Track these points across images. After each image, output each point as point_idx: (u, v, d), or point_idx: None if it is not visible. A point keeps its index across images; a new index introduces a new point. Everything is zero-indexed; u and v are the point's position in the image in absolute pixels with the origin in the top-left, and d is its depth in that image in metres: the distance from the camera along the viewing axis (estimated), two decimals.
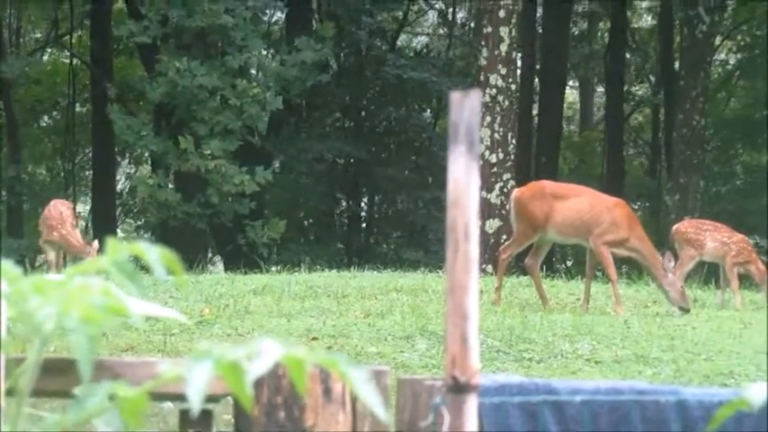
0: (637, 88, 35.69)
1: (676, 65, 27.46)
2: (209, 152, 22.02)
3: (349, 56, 29.04)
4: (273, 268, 15.76)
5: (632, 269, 16.62)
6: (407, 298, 12.26)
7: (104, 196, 28.07)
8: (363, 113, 29.40)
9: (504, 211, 17.34)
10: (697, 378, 8.14)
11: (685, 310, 12.00)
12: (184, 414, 2.91)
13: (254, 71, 23.67)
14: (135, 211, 32.92)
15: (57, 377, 2.47)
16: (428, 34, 35.05)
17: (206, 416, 2.83)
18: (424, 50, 31.74)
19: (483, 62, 18.45)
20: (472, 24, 31.85)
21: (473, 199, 2.31)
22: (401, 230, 29.87)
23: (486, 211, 17.60)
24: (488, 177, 17.70)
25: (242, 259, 20.31)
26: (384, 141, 29.69)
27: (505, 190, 17.61)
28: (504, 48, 18.18)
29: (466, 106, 2.31)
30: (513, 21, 18.37)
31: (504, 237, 16.38)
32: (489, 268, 15.99)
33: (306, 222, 29.66)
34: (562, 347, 9.16)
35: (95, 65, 27.69)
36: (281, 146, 26.42)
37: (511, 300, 12.74)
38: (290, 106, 25.51)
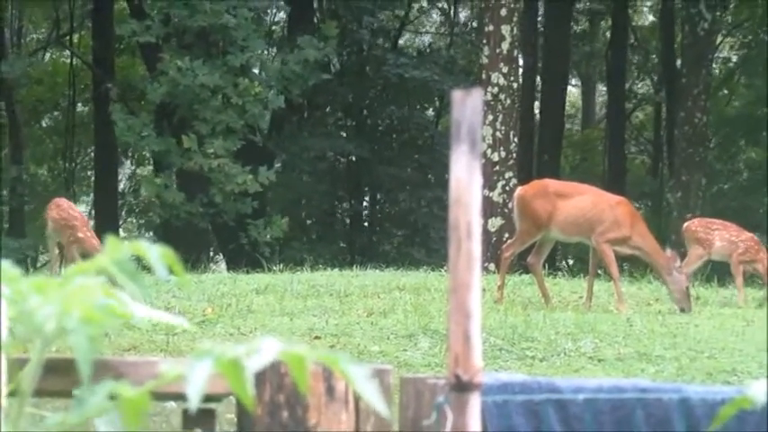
0: (638, 86, 35.68)
1: (678, 62, 27.43)
2: (211, 151, 22.01)
3: (351, 55, 29.02)
4: (276, 267, 15.72)
5: (635, 267, 16.60)
6: (410, 296, 12.26)
7: (106, 196, 28.07)
8: (365, 112, 29.38)
9: (506, 210, 17.34)
10: (700, 376, 8.14)
11: (686, 311, 11.92)
12: (187, 413, 2.90)
13: (256, 70, 23.66)
14: (137, 210, 32.92)
15: (59, 377, 2.46)
16: (429, 32, 35.04)
17: (209, 415, 2.81)
18: (427, 50, 31.72)
19: (485, 61, 18.45)
20: (474, 23, 31.83)
21: (475, 197, 2.31)
22: (403, 229, 29.84)
23: (489, 209, 17.60)
24: (490, 176, 17.69)
25: (244, 258, 20.32)
26: (386, 140, 29.68)
27: (507, 188, 17.61)
28: (505, 46, 18.18)
29: (468, 105, 2.31)
30: (515, 19, 18.37)
31: (507, 235, 16.38)
32: (492, 267, 15.98)
33: (308, 221, 29.66)
34: (565, 346, 9.16)
35: (97, 65, 27.69)
36: (284, 145, 26.42)
37: (513, 298, 12.73)
38: (292, 105, 25.51)
